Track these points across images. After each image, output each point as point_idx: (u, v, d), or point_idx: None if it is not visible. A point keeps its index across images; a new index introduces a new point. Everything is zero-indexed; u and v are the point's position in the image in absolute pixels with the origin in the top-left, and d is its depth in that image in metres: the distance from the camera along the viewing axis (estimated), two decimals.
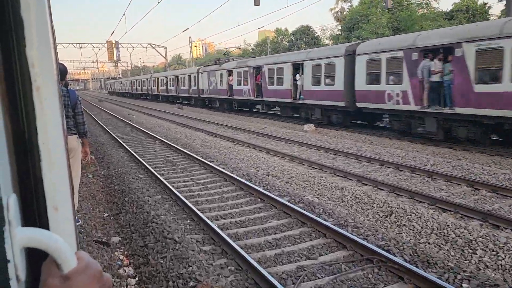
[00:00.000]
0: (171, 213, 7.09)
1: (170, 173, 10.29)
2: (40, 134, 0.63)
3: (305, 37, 46.29)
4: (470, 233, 5.67)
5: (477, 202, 7.23)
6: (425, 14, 36.87)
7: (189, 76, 35.60)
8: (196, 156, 11.73)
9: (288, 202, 7.24)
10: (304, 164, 10.84)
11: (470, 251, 5.32)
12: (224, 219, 6.85)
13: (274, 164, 10.86)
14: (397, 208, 6.68)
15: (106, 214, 7.66)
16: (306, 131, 16.20)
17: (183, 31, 61.45)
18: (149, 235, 6.09)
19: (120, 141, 15.35)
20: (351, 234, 5.65)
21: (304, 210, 6.73)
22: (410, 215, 6.37)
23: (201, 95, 33.55)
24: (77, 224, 6.91)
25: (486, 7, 36.93)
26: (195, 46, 55.40)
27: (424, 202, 7.20)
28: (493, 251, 5.22)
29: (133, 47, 61.73)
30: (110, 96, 74.64)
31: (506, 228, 5.86)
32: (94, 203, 8.23)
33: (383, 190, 8.15)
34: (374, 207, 7.05)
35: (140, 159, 11.53)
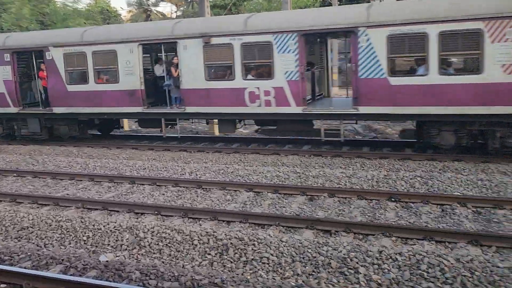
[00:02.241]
0: None
1: None
2: None
3: None
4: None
5: None
6: (77, 10, 34.57)
7: None
8: None
9: (74, 276, 4.43)
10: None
11: None
12: None
13: None
14: (230, 238, 5.22)
15: None
16: None
17: None
18: None
19: None
20: None
21: (114, 282, 4.21)
22: (253, 244, 5.08)
23: None
24: None
25: (118, 12, 38.72)
26: None
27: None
28: None
29: None
30: None
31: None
32: None
33: (150, 214, 6.51)
34: (194, 244, 5.27)
35: None
